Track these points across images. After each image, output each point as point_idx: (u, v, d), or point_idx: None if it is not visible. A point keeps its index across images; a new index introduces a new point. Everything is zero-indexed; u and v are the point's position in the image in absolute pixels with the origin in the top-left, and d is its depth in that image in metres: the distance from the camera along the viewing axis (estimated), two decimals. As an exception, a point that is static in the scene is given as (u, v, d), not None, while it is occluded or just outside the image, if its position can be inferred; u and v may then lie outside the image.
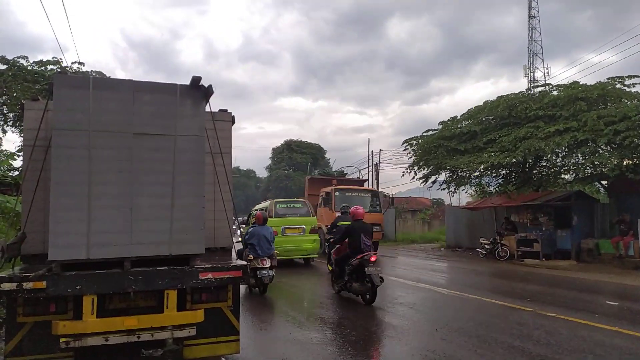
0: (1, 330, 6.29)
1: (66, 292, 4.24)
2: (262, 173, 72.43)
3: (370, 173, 35.86)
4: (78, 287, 4.24)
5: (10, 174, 17.04)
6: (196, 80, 4.85)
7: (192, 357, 4.82)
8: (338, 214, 14.87)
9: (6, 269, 4.54)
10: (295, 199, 18.13)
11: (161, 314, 4.51)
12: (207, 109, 5.16)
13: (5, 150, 20.86)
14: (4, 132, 19.29)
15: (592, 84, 17.77)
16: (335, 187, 20.10)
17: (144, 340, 4.45)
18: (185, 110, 4.85)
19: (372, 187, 33.22)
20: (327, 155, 65.22)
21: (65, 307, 4.41)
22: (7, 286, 4.04)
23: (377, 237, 18.08)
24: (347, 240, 8.99)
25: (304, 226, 15.39)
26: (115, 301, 4.62)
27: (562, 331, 6.51)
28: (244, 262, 4.95)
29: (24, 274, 4.15)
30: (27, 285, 4.08)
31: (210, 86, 4.95)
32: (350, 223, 9.17)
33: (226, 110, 6.06)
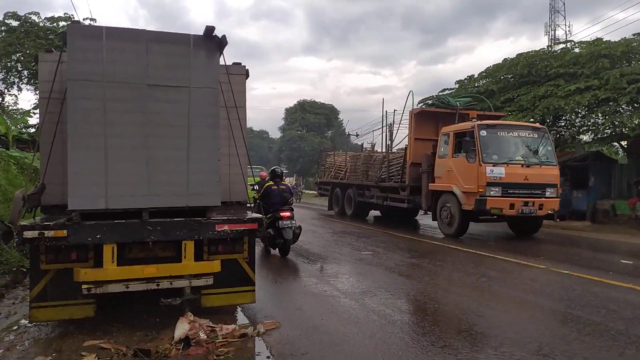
0: (25, 279, 6.53)
1: (86, 241, 4.34)
2: (275, 134, 72.23)
3: (384, 134, 35.52)
4: (98, 236, 4.33)
5: (26, 130, 17.22)
6: (210, 30, 4.76)
7: (209, 306, 4.95)
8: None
9: (27, 219, 4.65)
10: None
11: (179, 263, 4.62)
12: (221, 61, 5.09)
13: (21, 108, 21.05)
14: (20, 89, 19.40)
15: (617, 40, 17.13)
16: (481, 122, 11.76)
17: (163, 289, 4.58)
18: (199, 62, 4.79)
19: (387, 148, 32.98)
20: (340, 116, 64.71)
21: (86, 255, 4.52)
22: (29, 234, 4.15)
23: (553, 205, 11.49)
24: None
25: None
26: (134, 251, 4.73)
27: (576, 287, 6.53)
28: (259, 215, 4.99)
29: (45, 223, 4.25)
30: (49, 233, 4.18)
31: (224, 36, 4.86)
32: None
33: (240, 64, 5.96)
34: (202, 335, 4.33)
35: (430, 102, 17.91)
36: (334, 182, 19.15)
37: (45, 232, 4.19)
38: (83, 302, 4.54)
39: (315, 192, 40.64)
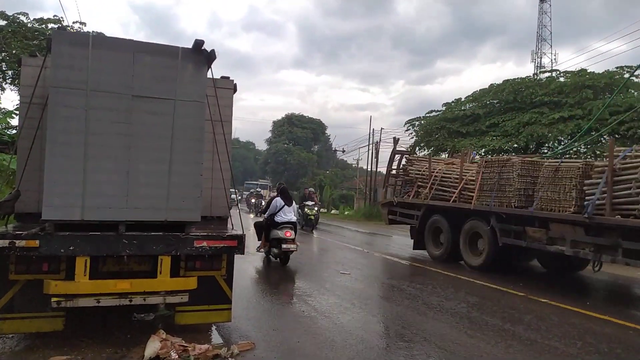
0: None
1: (59, 252, 4.22)
2: (262, 146, 72.20)
3: (371, 152, 35.71)
4: (71, 248, 4.21)
5: (7, 132, 16.90)
6: (199, 44, 4.73)
7: (183, 323, 4.83)
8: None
9: (-1, 226, 4.51)
10: None
11: (154, 279, 4.51)
12: (209, 74, 5.05)
13: (4, 108, 20.67)
14: (3, 89, 19.10)
15: (600, 72, 17.56)
16: None
17: (136, 304, 4.46)
18: (186, 75, 4.74)
19: (371, 166, 33.13)
20: (327, 132, 65.01)
21: (58, 267, 4.39)
22: None
23: None
24: None
25: None
26: (108, 264, 4.60)
27: (554, 317, 6.54)
28: (239, 232, 4.91)
29: (16, 232, 4.12)
30: (20, 243, 4.05)
31: (212, 51, 4.82)
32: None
33: (228, 78, 5.94)
34: (174, 355, 4.20)
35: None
36: (435, 206, 11.52)
37: (17, 241, 4.06)
38: (52, 315, 4.39)
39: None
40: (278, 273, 9.42)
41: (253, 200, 32.78)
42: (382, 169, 32.53)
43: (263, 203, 20.54)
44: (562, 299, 7.62)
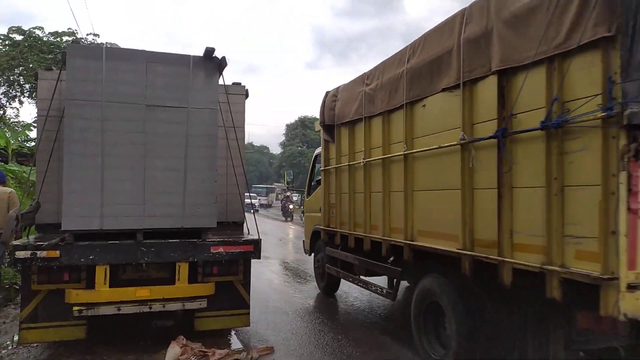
0: (17, 297, 6.44)
1: (79, 262, 4.29)
2: (276, 149, 72.35)
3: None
4: (91, 257, 4.28)
5: (27, 144, 17.25)
6: (209, 51, 4.77)
7: (202, 329, 4.87)
8: None
9: (21, 238, 4.60)
10: None
11: (173, 285, 4.56)
12: (221, 81, 5.10)
13: (23, 121, 21.11)
14: (21, 103, 19.47)
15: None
16: None
17: (156, 311, 4.51)
18: (198, 82, 4.79)
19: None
20: (341, 133, 64.77)
21: (79, 276, 4.46)
22: (21, 254, 4.10)
23: None
24: None
25: None
26: (128, 272, 4.66)
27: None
28: (255, 237, 4.94)
29: (38, 243, 4.20)
30: (41, 253, 4.14)
31: (223, 58, 4.87)
32: None
33: (240, 84, 5.98)
34: (194, 360, 4.24)
35: None
36: None
37: (38, 252, 4.14)
38: (74, 324, 4.46)
39: None
40: (295, 277, 9.44)
41: (290, 207, 27.30)
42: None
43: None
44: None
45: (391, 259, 4.99)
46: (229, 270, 4.93)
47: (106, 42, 19.95)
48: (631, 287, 2.54)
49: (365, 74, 5.55)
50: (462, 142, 3.69)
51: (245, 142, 6.55)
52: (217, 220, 4.94)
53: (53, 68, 5.66)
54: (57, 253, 4.19)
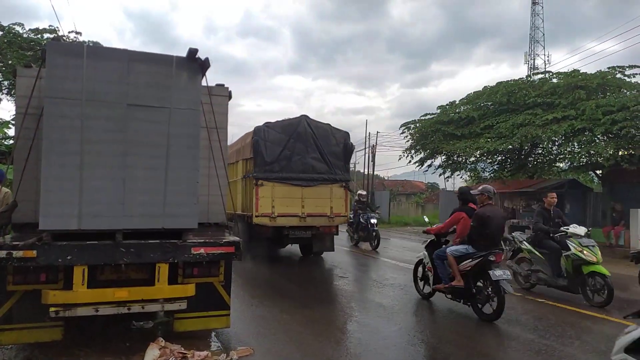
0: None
1: (57, 262, 4.23)
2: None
3: (367, 155, 35.76)
4: (69, 258, 4.22)
5: (4, 142, 16.89)
6: (193, 52, 4.76)
7: (182, 330, 4.84)
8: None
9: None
10: None
11: (152, 286, 4.52)
12: (204, 82, 5.09)
13: (0, 118, 20.64)
14: (-1, 100, 19.05)
15: (593, 72, 17.68)
16: None
17: (135, 312, 4.47)
18: (180, 83, 4.77)
19: (368, 169, 33.20)
20: (324, 136, 64.89)
21: (56, 277, 4.39)
22: None
23: None
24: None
25: None
26: (106, 272, 4.62)
27: (551, 317, 6.58)
28: (236, 238, 4.93)
29: (14, 243, 4.13)
30: (17, 253, 4.06)
31: (207, 59, 4.86)
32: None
33: (223, 85, 5.97)
34: (173, 362, 4.21)
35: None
36: None
37: (14, 252, 4.07)
38: (50, 325, 4.39)
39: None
40: (278, 278, 9.43)
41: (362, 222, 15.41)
42: (379, 172, 32.56)
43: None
44: (559, 298, 7.66)
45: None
46: (209, 272, 4.91)
47: (88, 41, 19.68)
48: (256, 217, 10.31)
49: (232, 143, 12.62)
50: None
51: (228, 144, 6.55)
52: (199, 222, 4.91)
53: (32, 65, 5.57)
54: (33, 253, 4.12)
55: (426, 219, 9.19)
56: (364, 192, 17.22)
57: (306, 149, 10.87)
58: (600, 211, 17.26)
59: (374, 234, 14.43)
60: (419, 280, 7.64)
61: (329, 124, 11.63)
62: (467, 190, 7.45)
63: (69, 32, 19.19)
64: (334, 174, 11.11)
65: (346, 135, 11.59)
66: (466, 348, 5.14)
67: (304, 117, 11.17)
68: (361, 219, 15.02)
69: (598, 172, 18.82)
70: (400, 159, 23.61)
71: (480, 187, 6.95)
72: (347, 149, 11.54)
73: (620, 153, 14.93)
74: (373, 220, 14.74)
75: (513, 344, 5.37)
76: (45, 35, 18.69)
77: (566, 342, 5.42)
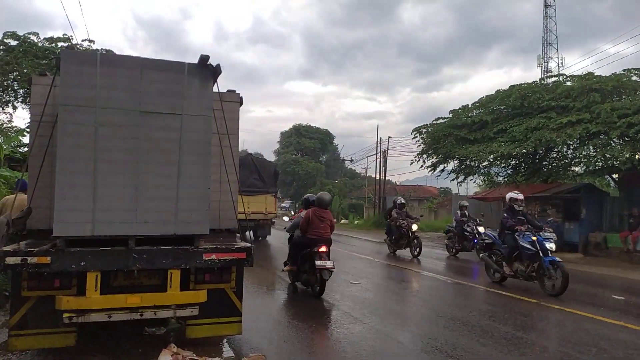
0: (7, 304, 6.37)
1: (70, 268, 4.25)
2: (270, 157, 72.38)
3: (378, 160, 35.70)
4: (82, 264, 4.25)
5: (19, 150, 17.14)
6: (204, 59, 4.79)
7: (194, 337, 4.84)
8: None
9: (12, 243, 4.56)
10: None
11: (164, 292, 4.52)
12: (215, 88, 5.11)
13: (16, 126, 20.97)
14: (15, 108, 19.39)
15: (608, 75, 17.45)
16: None
17: (147, 318, 4.48)
18: (192, 89, 4.80)
19: (379, 174, 33.12)
20: (335, 141, 65.16)
21: (70, 282, 4.42)
22: (11, 260, 4.06)
23: None
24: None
25: None
26: (119, 278, 4.63)
27: (567, 324, 6.46)
28: (248, 244, 4.92)
29: (28, 249, 4.17)
30: (32, 260, 4.10)
31: (218, 65, 4.88)
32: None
33: (234, 91, 5.99)
34: (185, 369, 4.21)
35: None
36: None
37: (29, 258, 4.10)
38: (64, 331, 4.41)
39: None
40: (288, 285, 9.41)
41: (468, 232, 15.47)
42: (391, 177, 32.44)
43: None
44: (575, 305, 7.53)
45: None
46: (221, 278, 4.91)
47: (101, 49, 19.96)
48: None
49: None
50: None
51: (240, 150, 6.57)
52: (210, 227, 4.92)
53: (47, 73, 5.65)
54: (47, 259, 4.15)
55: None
56: (467, 203, 16.22)
57: (250, 173, 17.58)
58: (617, 216, 16.97)
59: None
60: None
61: (264, 158, 20.29)
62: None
63: (83, 41, 19.48)
64: (267, 188, 18.22)
65: (275, 164, 21.15)
66: (482, 356, 5.06)
67: (249, 155, 19.89)
68: (466, 228, 14.90)
69: (614, 176, 18.54)
70: (411, 163, 23.50)
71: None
72: (276, 173, 19.45)
73: (637, 156, 14.70)
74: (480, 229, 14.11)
75: (528, 351, 5.28)
76: (60, 44, 18.98)
77: (583, 349, 5.31)
